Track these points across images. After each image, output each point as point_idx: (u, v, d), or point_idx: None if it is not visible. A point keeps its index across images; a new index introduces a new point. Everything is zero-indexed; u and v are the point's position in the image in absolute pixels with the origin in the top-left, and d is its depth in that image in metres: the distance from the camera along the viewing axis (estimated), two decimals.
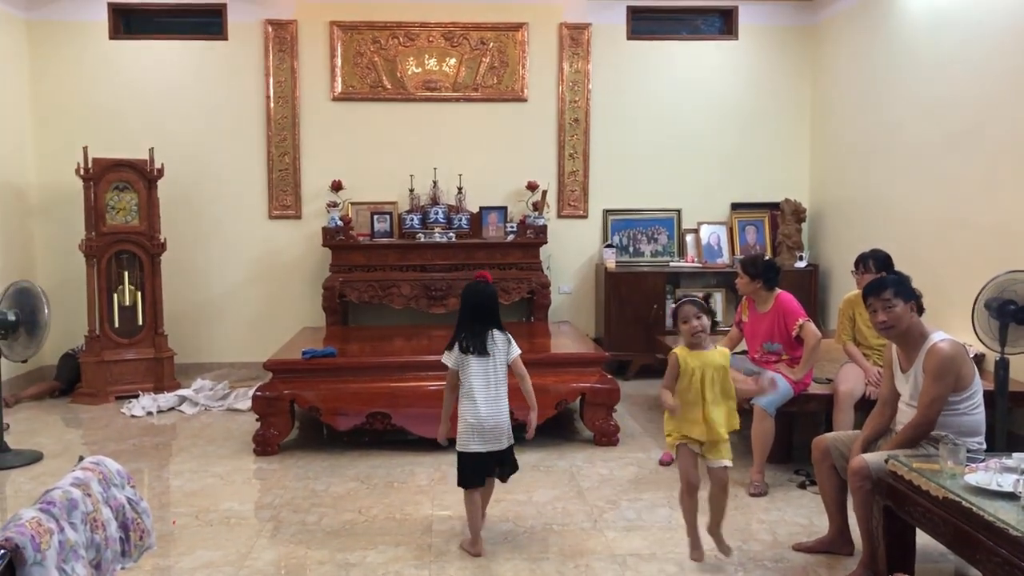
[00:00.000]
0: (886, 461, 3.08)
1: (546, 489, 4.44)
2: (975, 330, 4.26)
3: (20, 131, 7.02)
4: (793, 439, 4.82)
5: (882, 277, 3.73)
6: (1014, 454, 2.91)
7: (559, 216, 7.47)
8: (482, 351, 3.61)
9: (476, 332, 3.63)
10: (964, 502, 2.62)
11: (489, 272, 3.94)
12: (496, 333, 3.66)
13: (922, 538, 3.06)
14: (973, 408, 3.30)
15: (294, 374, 5.18)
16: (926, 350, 3.27)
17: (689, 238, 7.53)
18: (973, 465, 2.86)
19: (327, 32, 7.24)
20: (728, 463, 3.46)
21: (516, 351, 3.69)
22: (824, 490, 3.61)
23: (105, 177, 6.49)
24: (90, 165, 6.43)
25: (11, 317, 4.73)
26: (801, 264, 7.20)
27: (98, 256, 6.48)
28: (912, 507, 2.89)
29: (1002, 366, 4.26)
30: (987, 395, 4.05)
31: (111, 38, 7.15)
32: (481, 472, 3.62)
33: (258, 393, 5.13)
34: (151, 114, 7.15)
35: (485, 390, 3.59)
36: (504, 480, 3.73)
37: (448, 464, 4.83)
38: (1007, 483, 2.66)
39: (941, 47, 5.60)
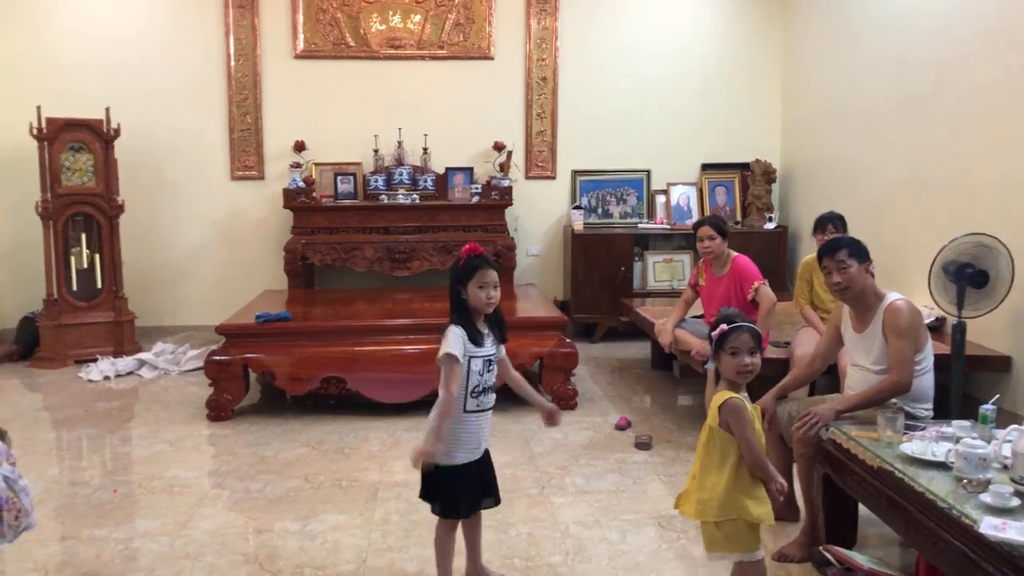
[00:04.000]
0: (826, 428, 3.03)
1: (497, 454, 4.26)
2: (931, 293, 4.20)
3: None
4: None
5: (836, 237, 3.67)
6: (953, 422, 2.86)
7: (527, 177, 7.35)
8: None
9: None
10: (897, 472, 2.57)
11: (483, 246, 3.01)
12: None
13: None
14: (924, 371, 3.24)
15: (247, 338, 5.09)
16: (883, 309, 3.21)
17: (659, 199, 7.43)
18: (912, 433, 2.81)
19: None
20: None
21: (442, 351, 2.79)
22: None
23: (59, 137, 6.33)
24: (43, 125, 6.27)
25: None
26: (770, 225, 7.12)
27: (54, 218, 6.34)
28: (849, 476, 2.85)
29: (959, 329, 4.21)
30: (943, 359, 4.04)
31: None
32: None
33: (211, 357, 5.05)
34: (107, 72, 6.95)
35: None
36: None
37: (402, 429, 4.80)
38: (941, 452, 2.61)
39: (905, 4, 5.49)
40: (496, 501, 2.99)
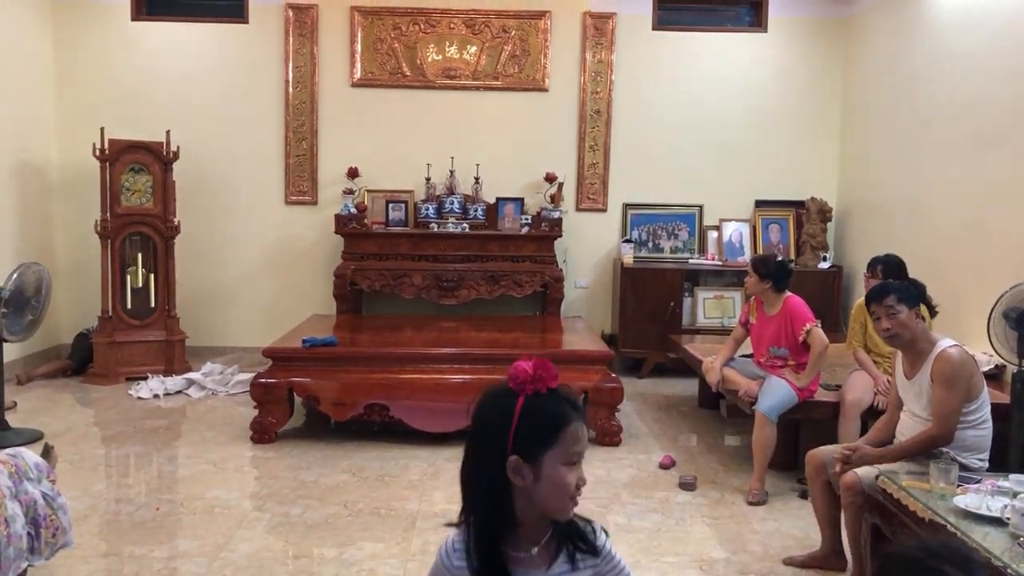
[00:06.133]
0: (876, 477, 2.94)
1: None
2: (990, 340, 4.08)
3: (43, 110, 7.06)
4: (799, 446, 4.66)
5: (886, 282, 3.59)
6: (1011, 475, 2.76)
7: (577, 209, 7.34)
8: None
9: None
10: (950, 526, 2.48)
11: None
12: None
13: None
14: (980, 422, 3.14)
15: (294, 362, 5.12)
16: (934, 357, 3.13)
17: (711, 235, 7.35)
18: (966, 486, 2.71)
19: (347, 17, 7.17)
20: None
21: None
22: (817, 506, 3.47)
23: (121, 158, 6.49)
24: (106, 146, 6.44)
25: (5, 295, 4.73)
26: (825, 265, 6.99)
27: (112, 237, 6.49)
28: (898, 527, 2.75)
29: (1019, 378, 4.06)
30: (1003, 408, 3.91)
31: (133, 19, 7.14)
32: None
33: (257, 380, 5.09)
34: (170, 96, 7.12)
35: None
36: None
37: (443, 459, 4.77)
38: (997, 507, 2.50)
39: (973, 45, 5.38)
40: None
